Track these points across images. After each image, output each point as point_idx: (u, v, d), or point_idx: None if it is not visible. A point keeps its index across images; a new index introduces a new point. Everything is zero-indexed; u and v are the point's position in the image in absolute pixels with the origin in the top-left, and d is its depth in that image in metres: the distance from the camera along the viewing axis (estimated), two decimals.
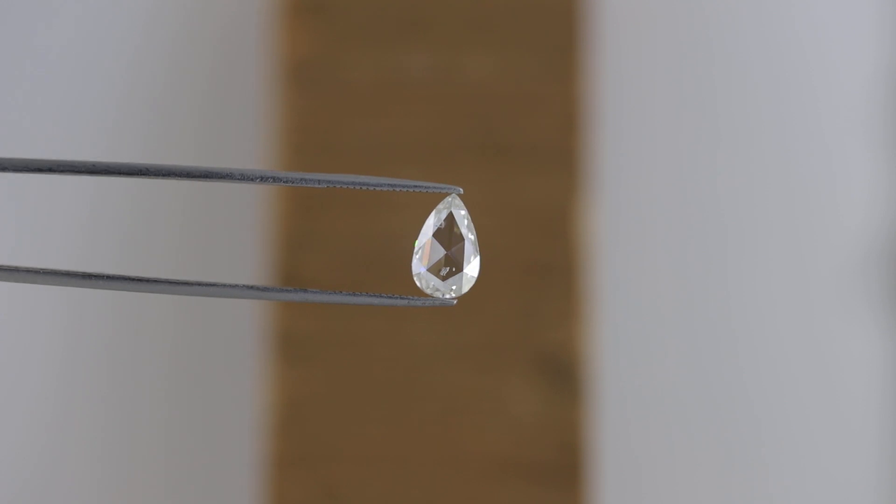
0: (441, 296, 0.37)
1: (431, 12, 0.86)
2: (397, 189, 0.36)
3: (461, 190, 0.37)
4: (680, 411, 0.93)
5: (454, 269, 0.37)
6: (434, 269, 0.37)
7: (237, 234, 0.91)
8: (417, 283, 0.37)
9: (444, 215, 0.37)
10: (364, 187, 0.36)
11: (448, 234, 0.37)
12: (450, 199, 0.37)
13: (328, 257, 0.85)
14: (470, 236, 0.37)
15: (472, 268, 0.37)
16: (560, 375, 0.85)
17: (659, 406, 0.93)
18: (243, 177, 0.35)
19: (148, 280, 0.36)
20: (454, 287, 0.37)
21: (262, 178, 0.36)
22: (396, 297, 0.36)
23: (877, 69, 0.93)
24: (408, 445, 0.85)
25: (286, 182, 0.35)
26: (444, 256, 0.37)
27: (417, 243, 0.37)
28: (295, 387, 0.85)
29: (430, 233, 0.37)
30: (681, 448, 0.93)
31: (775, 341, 0.93)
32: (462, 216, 0.37)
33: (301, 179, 0.35)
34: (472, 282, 0.38)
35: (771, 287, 0.93)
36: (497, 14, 0.86)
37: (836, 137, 0.93)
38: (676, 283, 0.93)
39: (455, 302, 0.37)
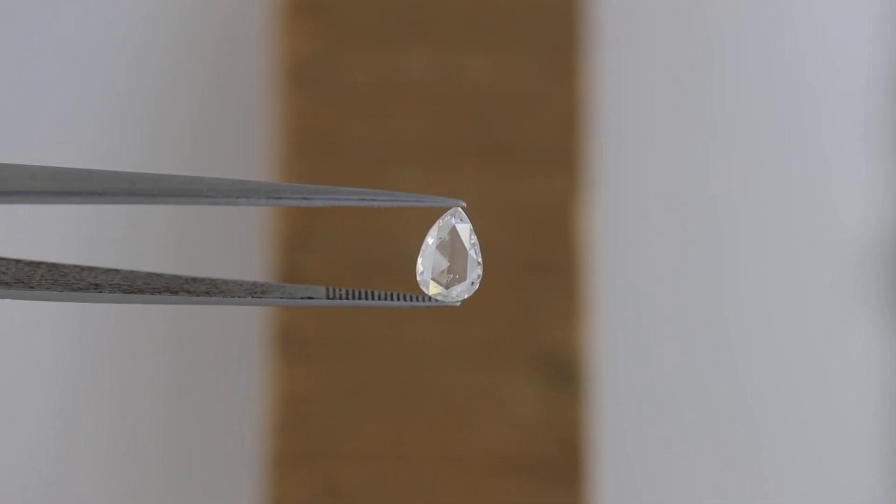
0: (444, 298, 0.38)
1: (431, 12, 0.86)
2: (399, 205, 0.37)
3: (464, 204, 0.38)
4: (679, 410, 0.93)
5: (457, 278, 0.38)
6: (437, 280, 0.38)
7: (237, 233, 0.91)
8: (421, 287, 0.38)
9: (447, 228, 0.38)
10: (365, 205, 0.36)
11: (451, 247, 0.37)
12: (452, 212, 0.38)
13: (329, 257, 0.85)
14: (473, 249, 0.38)
15: (474, 277, 0.38)
16: (560, 374, 0.85)
17: (658, 404, 0.93)
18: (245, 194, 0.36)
19: (153, 291, 0.36)
20: (457, 292, 0.38)
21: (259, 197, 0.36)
22: (400, 299, 0.37)
23: (876, 68, 0.94)
24: (408, 443, 0.85)
25: (289, 199, 0.35)
26: (447, 268, 0.37)
27: (420, 255, 0.38)
28: (295, 384, 0.85)
29: (433, 245, 0.37)
30: (679, 446, 0.93)
31: (774, 341, 0.93)
32: (465, 230, 0.37)
33: (302, 198, 0.35)
34: (475, 288, 0.38)
35: (769, 286, 0.93)
36: (497, 14, 0.86)
37: (834, 137, 0.94)
38: (675, 282, 0.93)
39: (459, 303, 0.37)
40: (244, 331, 0.91)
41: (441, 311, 0.85)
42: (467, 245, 0.37)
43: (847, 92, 0.93)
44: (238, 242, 0.91)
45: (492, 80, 0.86)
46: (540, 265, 0.85)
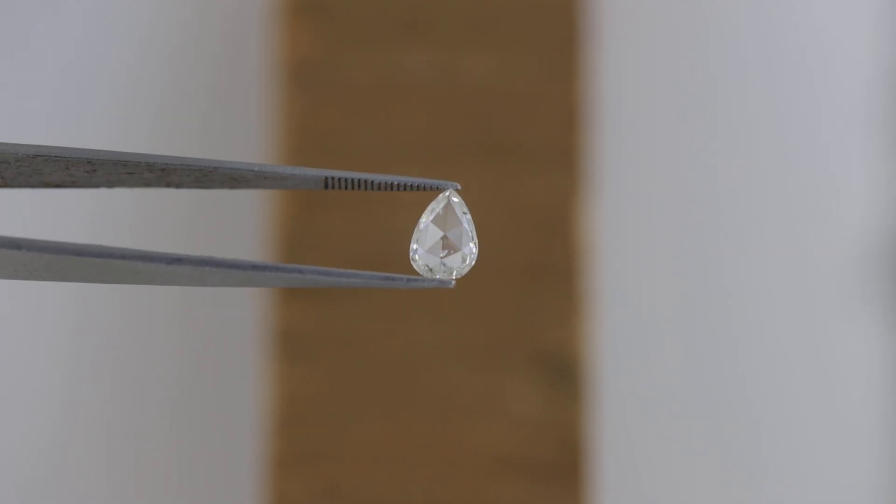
0: (440, 277, 0.37)
1: (431, 12, 0.86)
2: (395, 185, 0.37)
3: (458, 186, 0.38)
4: (679, 410, 0.93)
5: (451, 252, 0.37)
6: (432, 252, 0.38)
7: (237, 231, 0.91)
8: (415, 267, 0.38)
9: (441, 204, 0.38)
10: (363, 187, 0.36)
11: (445, 220, 0.38)
12: (447, 193, 0.38)
13: (328, 255, 0.85)
14: (467, 223, 0.38)
15: (469, 250, 0.38)
16: (560, 374, 0.85)
17: (658, 404, 0.93)
18: (236, 169, 0.35)
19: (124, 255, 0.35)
20: (452, 268, 0.38)
21: (259, 171, 0.36)
22: (394, 278, 0.36)
23: (876, 68, 0.94)
24: (408, 444, 0.85)
25: (282, 181, 0.35)
26: (442, 238, 0.37)
27: (415, 230, 0.38)
28: (295, 385, 0.85)
29: (428, 219, 0.38)
30: (680, 446, 0.93)
31: (775, 340, 0.93)
32: (459, 206, 0.38)
33: (302, 178, 0.35)
34: (471, 265, 0.38)
35: (770, 286, 0.93)
36: (497, 14, 0.86)
37: (835, 135, 0.93)
38: (676, 281, 0.93)
39: (453, 283, 0.37)
40: (245, 330, 0.91)
41: (441, 309, 0.85)
42: (461, 219, 0.37)
43: (848, 92, 0.93)
44: (237, 242, 0.91)
45: (492, 79, 0.86)
46: (540, 265, 0.85)
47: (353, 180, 0.36)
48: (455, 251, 0.37)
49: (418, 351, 0.85)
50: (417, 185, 0.37)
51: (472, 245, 0.38)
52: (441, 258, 0.37)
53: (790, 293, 0.93)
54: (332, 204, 0.85)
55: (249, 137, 0.91)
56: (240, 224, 0.91)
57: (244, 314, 0.91)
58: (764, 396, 0.93)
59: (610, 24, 0.92)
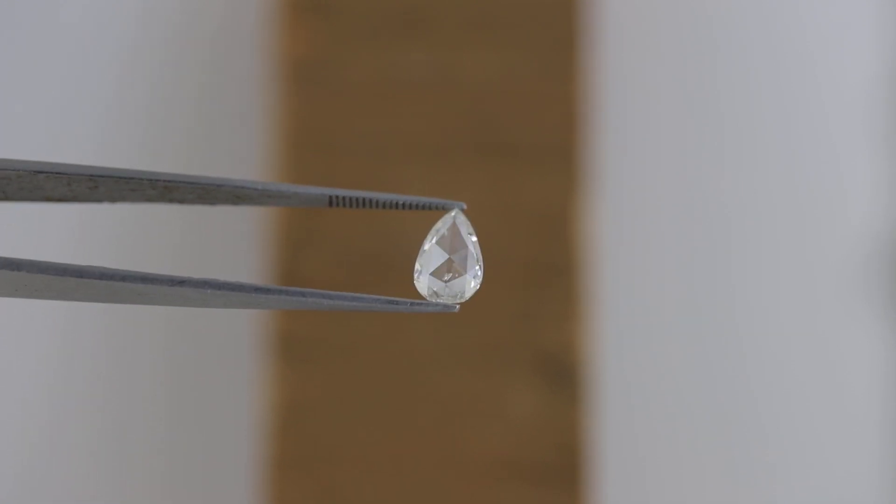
0: (443, 301, 0.37)
1: (431, 12, 0.86)
2: (400, 205, 0.36)
3: (464, 205, 0.37)
4: (681, 411, 0.93)
5: (456, 275, 0.37)
6: (436, 275, 0.37)
7: (237, 232, 0.91)
8: (418, 289, 0.37)
9: (447, 225, 0.37)
10: (367, 205, 0.36)
11: (450, 242, 0.37)
12: (453, 214, 0.37)
13: (328, 256, 0.85)
14: (472, 245, 0.37)
15: (474, 274, 0.37)
16: (560, 376, 0.84)
17: (659, 407, 0.92)
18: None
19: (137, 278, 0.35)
20: (456, 292, 0.37)
21: (262, 190, 0.36)
22: (397, 302, 0.36)
23: (880, 68, 0.93)
24: (408, 447, 0.85)
25: (286, 199, 0.35)
26: (447, 261, 0.37)
27: (420, 253, 0.37)
28: (294, 389, 0.84)
29: (433, 240, 0.37)
30: (681, 448, 0.92)
31: (777, 341, 0.93)
32: (464, 226, 0.37)
33: (305, 196, 0.35)
34: (475, 289, 0.37)
35: (773, 286, 0.93)
36: (497, 13, 0.86)
37: (838, 135, 0.93)
38: (677, 282, 0.93)
39: (457, 308, 0.37)
40: (243, 334, 0.91)
41: (439, 312, 0.85)
42: (466, 241, 0.37)
43: (851, 91, 0.93)
44: (237, 242, 0.91)
45: (492, 78, 0.85)
46: (540, 266, 0.85)
47: (357, 199, 0.36)
48: (460, 275, 0.37)
49: (417, 354, 0.85)
50: (422, 205, 0.37)
51: (477, 268, 0.37)
52: (445, 281, 0.37)
53: (792, 294, 0.93)
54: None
55: (248, 137, 0.91)
56: (241, 225, 0.91)
57: (244, 317, 0.91)
58: (766, 398, 0.93)
59: (610, 23, 0.92)
